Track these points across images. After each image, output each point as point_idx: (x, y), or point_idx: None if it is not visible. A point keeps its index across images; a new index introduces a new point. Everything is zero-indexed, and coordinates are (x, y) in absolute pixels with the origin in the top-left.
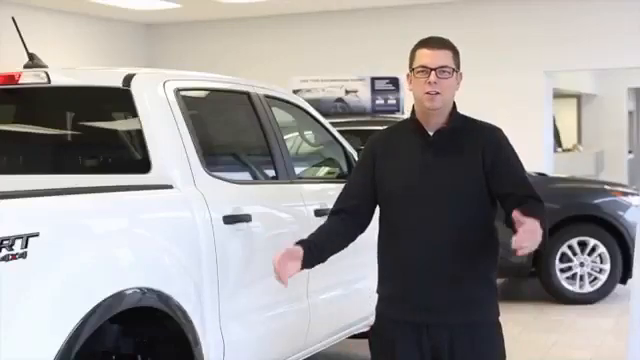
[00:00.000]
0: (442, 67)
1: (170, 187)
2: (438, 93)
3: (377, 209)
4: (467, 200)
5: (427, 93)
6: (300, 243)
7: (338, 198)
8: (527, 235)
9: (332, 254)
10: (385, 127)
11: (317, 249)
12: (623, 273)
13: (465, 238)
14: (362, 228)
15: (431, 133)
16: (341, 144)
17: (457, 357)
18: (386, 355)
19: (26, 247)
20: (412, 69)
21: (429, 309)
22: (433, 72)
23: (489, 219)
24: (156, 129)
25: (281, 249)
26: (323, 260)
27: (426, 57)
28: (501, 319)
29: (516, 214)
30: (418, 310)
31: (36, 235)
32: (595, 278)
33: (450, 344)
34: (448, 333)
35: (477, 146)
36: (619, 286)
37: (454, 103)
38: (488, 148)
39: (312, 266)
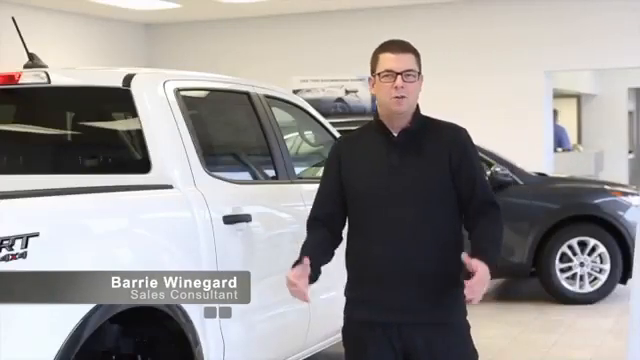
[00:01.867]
0: (408, 71)
1: (170, 187)
2: (404, 97)
3: None
4: (434, 199)
5: (395, 97)
6: (312, 265)
7: (313, 205)
8: (477, 287)
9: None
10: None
11: (318, 265)
12: (623, 273)
13: (432, 237)
14: (340, 235)
15: (395, 134)
16: None
17: (428, 357)
18: (358, 357)
19: (26, 247)
20: (377, 73)
21: (398, 309)
22: (399, 76)
23: (456, 218)
24: (156, 129)
25: (292, 269)
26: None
27: (391, 61)
28: (501, 319)
29: (467, 261)
30: (387, 310)
31: (36, 235)
32: (595, 278)
33: (421, 344)
34: (418, 333)
35: (443, 146)
36: (619, 286)
37: (417, 105)
38: (455, 148)
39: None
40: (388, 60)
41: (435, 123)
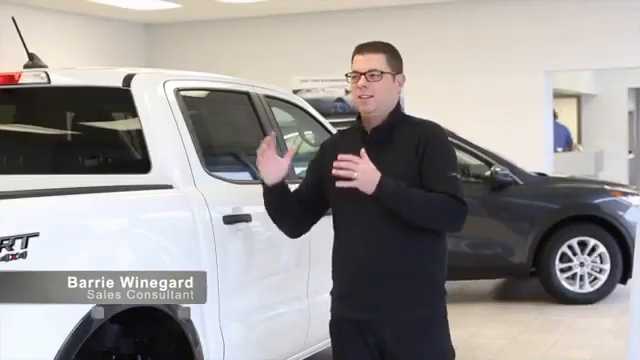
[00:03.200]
0: (371, 71)
1: (170, 187)
2: (371, 96)
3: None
4: None
5: (359, 97)
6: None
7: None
8: (349, 159)
9: (287, 215)
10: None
11: (286, 195)
12: (623, 273)
13: (403, 235)
14: (310, 223)
15: (369, 132)
16: None
17: (400, 354)
18: (339, 354)
19: (26, 247)
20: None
21: (369, 306)
22: (363, 76)
23: None
24: (156, 129)
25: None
26: (281, 206)
27: (357, 62)
28: (501, 319)
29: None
30: (358, 308)
31: (36, 235)
32: (595, 278)
33: (391, 340)
34: (389, 330)
35: (412, 142)
36: (619, 286)
37: (398, 104)
38: (421, 143)
39: (274, 196)
40: (356, 61)
41: (410, 121)
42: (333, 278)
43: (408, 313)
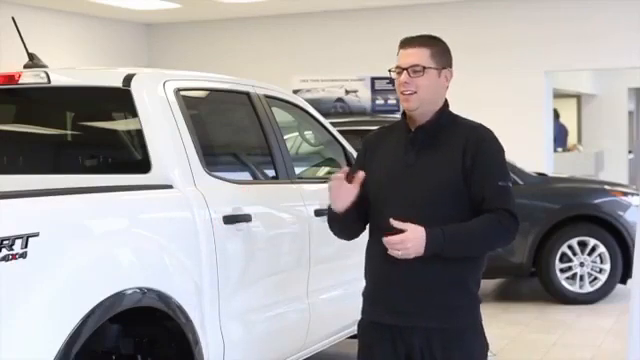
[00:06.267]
0: (413, 66)
1: (170, 187)
2: (414, 93)
3: None
4: (444, 200)
5: (402, 93)
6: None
7: None
8: (398, 243)
9: (355, 230)
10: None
11: (356, 215)
12: (623, 273)
13: None
14: (363, 226)
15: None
16: (341, 144)
17: None
18: (366, 355)
19: (26, 247)
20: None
21: (400, 312)
22: (405, 72)
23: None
24: (156, 129)
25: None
26: (351, 223)
27: (400, 57)
28: (501, 319)
29: (395, 223)
30: (390, 312)
31: (36, 235)
32: (595, 278)
33: (423, 349)
34: (421, 337)
35: (458, 145)
36: (619, 286)
37: (446, 101)
38: (469, 148)
39: (348, 218)
40: (400, 56)
41: (459, 122)
42: (366, 279)
43: (439, 323)
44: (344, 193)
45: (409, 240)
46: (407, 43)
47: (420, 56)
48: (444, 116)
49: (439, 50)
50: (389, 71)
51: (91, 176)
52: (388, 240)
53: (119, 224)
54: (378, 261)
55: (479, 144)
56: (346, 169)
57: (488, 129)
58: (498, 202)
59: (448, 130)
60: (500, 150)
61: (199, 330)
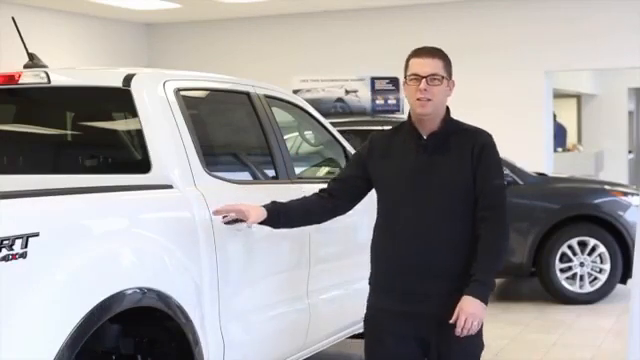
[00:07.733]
0: (432, 75)
1: (170, 187)
2: (429, 100)
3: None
4: (457, 200)
5: (418, 100)
6: (271, 207)
7: (329, 181)
8: (465, 323)
9: (299, 226)
10: (385, 127)
11: (285, 217)
12: (623, 273)
13: (453, 236)
14: (335, 213)
15: (425, 136)
16: (341, 144)
17: (442, 347)
18: (377, 344)
19: (26, 247)
20: (405, 77)
21: (412, 300)
22: (424, 80)
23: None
24: (156, 129)
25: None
26: (289, 226)
27: (418, 66)
28: (501, 319)
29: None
30: (401, 300)
31: (36, 235)
32: (595, 278)
33: (435, 335)
34: (433, 324)
35: (467, 148)
36: (619, 286)
37: (447, 109)
38: (476, 151)
39: (275, 226)
40: (415, 64)
41: (464, 127)
42: (373, 269)
43: (449, 310)
44: (242, 216)
45: (470, 317)
46: (423, 53)
47: (437, 66)
48: (451, 123)
49: (448, 62)
50: (405, 78)
51: (91, 176)
52: (461, 333)
53: (119, 224)
54: (390, 252)
55: (484, 147)
56: (233, 215)
57: (489, 133)
58: (490, 200)
59: (456, 135)
60: (498, 152)
61: (199, 330)
